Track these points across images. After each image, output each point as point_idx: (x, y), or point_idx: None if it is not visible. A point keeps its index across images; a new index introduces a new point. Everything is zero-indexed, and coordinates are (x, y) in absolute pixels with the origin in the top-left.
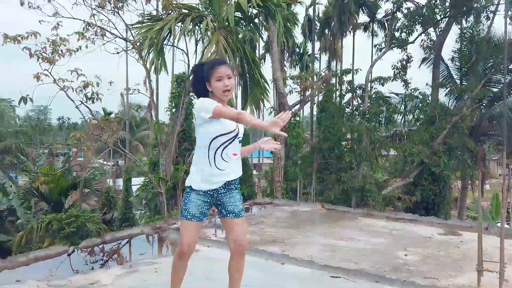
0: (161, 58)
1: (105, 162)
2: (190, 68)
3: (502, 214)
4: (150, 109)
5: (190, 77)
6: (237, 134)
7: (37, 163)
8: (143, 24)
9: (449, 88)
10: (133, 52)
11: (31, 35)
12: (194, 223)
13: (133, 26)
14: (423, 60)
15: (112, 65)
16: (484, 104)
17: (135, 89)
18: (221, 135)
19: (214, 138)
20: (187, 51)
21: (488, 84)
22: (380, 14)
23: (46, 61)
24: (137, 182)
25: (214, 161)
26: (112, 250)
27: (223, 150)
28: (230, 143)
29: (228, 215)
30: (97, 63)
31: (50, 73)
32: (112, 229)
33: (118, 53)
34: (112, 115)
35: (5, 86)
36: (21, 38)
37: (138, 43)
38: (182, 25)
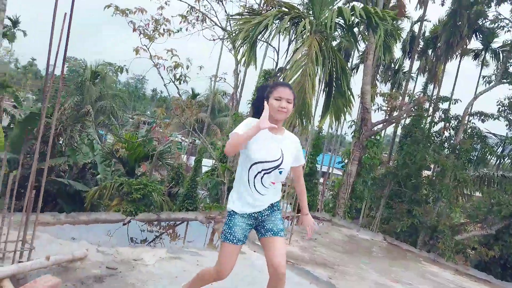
0: (253, 52)
1: (183, 139)
2: (278, 66)
3: None
4: (232, 98)
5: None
6: (278, 165)
7: (124, 127)
8: (242, 16)
9: None
10: (227, 42)
11: (139, 10)
12: (238, 247)
13: (232, 17)
14: None
15: (207, 50)
16: None
17: (221, 77)
18: (261, 162)
19: (254, 164)
20: (279, 49)
21: None
22: (496, 44)
23: (146, 37)
24: (209, 163)
25: (254, 185)
26: (163, 229)
27: (262, 176)
28: (270, 172)
29: (267, 233)
30: (193, 45)
31: (148, 49)
32: (174, 203)
33: (214, 40)
34: (198, 98)
35: (117, 52)
36: (129, 12)
37: (233, 34)
38: (279, 23)
